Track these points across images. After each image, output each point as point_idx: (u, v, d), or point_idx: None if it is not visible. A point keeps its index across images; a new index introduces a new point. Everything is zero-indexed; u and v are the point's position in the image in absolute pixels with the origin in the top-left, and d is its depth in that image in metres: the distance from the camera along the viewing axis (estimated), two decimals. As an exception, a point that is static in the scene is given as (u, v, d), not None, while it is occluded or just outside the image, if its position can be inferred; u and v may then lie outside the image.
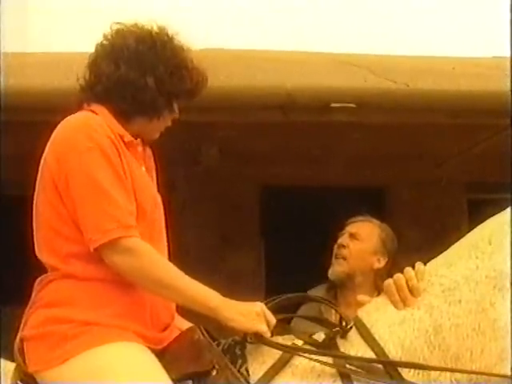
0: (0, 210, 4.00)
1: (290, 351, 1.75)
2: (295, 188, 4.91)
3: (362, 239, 2.83)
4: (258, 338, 1.74)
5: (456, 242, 1.88)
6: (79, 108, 1.89)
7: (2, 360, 1.88)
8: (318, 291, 2.80)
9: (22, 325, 1.82)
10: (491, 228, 1.81)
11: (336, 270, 2.81)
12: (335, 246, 2.86)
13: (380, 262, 2.83)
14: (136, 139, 1.89)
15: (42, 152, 1.84)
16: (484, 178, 4.48)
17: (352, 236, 2.84)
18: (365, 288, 2.76)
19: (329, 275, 2.82)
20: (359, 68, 3.68)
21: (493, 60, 4.05)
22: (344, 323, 1.80)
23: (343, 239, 2.84)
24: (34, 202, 1.85)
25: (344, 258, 2.80)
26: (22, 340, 1.80)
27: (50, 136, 1.84)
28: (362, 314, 1.83)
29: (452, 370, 1.68)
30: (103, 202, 1.72)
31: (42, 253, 1.83)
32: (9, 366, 1.85)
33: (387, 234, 2.89)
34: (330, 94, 3.31)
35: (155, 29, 1.90)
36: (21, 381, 1.78)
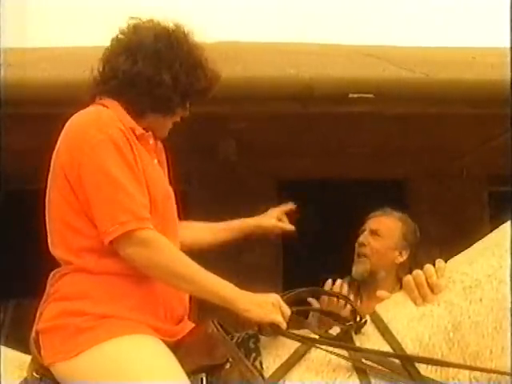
0: (5, 204, 4.01)
1: (306, 342, 1.73)
2: (313, 181, 4.87)
3: (382, 235, 2.78)
4: (274, 329, 1.72)
5: (477, 234, 1.84)
6: (91, 101, 1.88)
7: (3, 348, 1.88)
8: None
9: (36, 318, 1.82)
10: None
11: (359, 268, 2.75)
12: (356, 245, 2.82)
13: (402, 256, 2.79)
14: (147, 132, 1.88)
15: (49, 146, 1.84)
16: (505, 171, 4.40)
17: (373, 233, 2.79)
18: (388, 282, 2.72)
19: (352, 274, 2.78)
20: (378, 59, 3.64)
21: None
22: (358, 318, 1.78)
23: (364, 237, 2.79)
24: (47, 196, 1.85)
25: (366, 256, 2.76)
26: (37, 333, 1.80)
27: (54, 130, 1.83)
28: (379, 309, 1.80)
29: (470, 368, 1.64)
30: (117, 194, 1.71)
31: (54, 247, 1.83)
32: (9, 355, 1.85)
33: (408, 227, 2.84)
34: (349, 84, 3.27)
35: (172, 26, 1.90)
36: (36, 373, 1.79)
